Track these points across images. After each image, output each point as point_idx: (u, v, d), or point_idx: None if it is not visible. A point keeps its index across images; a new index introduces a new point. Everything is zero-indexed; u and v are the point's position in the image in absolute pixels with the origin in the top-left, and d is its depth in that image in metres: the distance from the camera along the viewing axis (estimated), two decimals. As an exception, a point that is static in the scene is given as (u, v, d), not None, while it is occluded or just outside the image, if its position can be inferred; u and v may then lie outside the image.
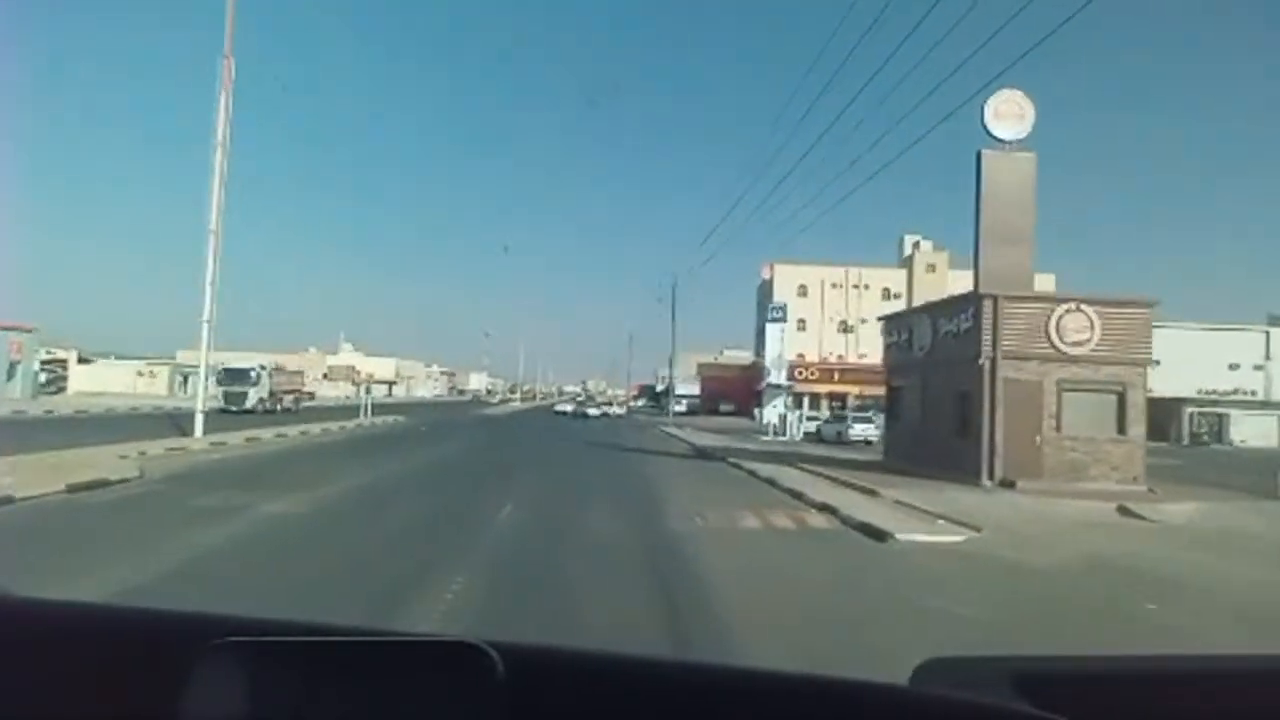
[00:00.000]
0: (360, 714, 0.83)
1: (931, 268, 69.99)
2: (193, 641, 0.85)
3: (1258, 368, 58.15)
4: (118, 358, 74.19)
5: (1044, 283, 34.22)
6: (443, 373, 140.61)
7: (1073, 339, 17.99)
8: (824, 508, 13.91)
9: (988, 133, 18.85)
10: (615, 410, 75.73)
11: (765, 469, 20.64)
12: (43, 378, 55.23)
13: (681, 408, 63.94)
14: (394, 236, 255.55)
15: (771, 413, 47.29)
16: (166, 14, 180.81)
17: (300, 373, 56.52)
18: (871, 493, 15.92)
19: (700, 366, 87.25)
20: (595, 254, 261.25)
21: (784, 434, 41.43)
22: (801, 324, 67.25)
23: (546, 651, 1.02)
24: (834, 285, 71.38)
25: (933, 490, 16.24)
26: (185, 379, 65.38)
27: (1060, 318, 18.02)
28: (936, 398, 20.61)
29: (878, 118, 48.73)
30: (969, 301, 19.15)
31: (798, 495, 15.78)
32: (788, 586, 8.55)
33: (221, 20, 22.82)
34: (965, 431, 18.78)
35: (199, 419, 23.12)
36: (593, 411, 69.22)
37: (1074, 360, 18.02)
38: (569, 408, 76.40)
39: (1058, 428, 17.94)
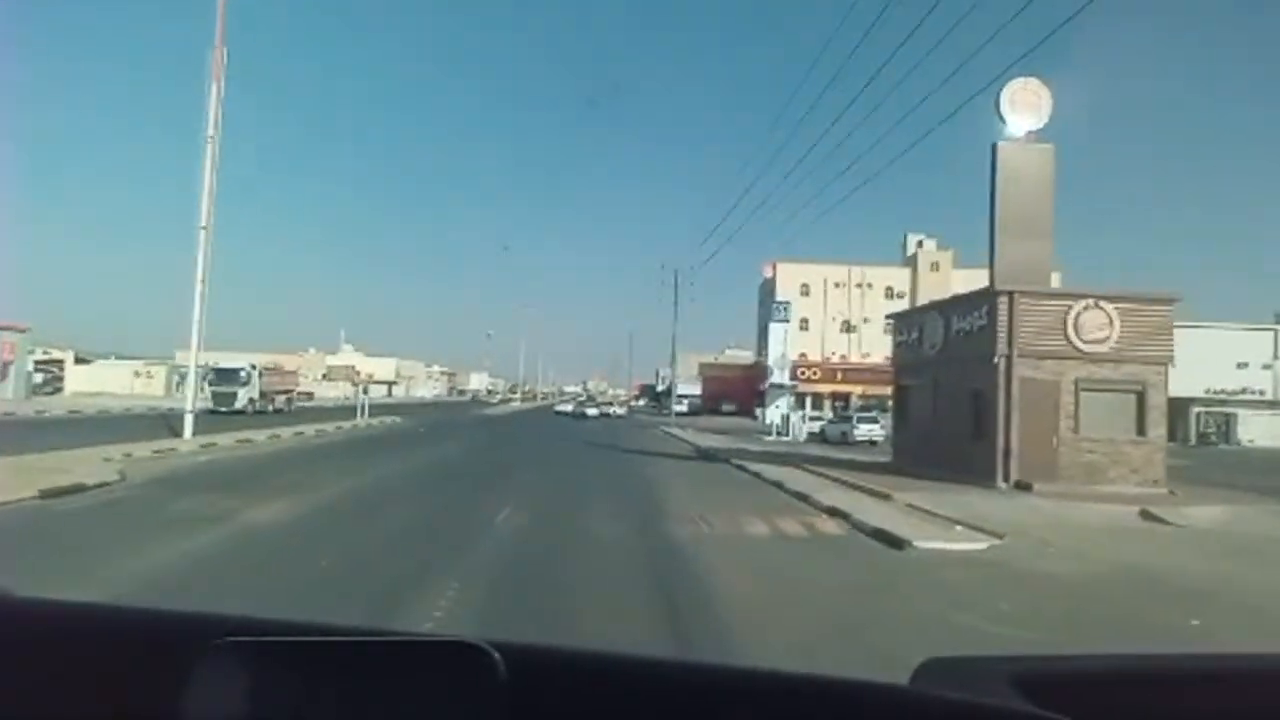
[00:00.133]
0: (361, 714, 0.82)
1: (935, 266, 69.44)
2: (193, 641, 0.84)
3: (1266, 367, 57.46)
4: (118, 358, 73.75)
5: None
6: (443, 373, 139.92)
7: (1091, 337, 17.35)
8: (835, 512, 13.38)
9: (1002, 122, 18.18)
10: (616, 410, 74.56)
11: (771, 471, 20.08)
12: (38, 378, 54.83)
13: (683, 408, 63.20)
14: (394, 236, 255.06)
15: (774, 413, 46.75)
16: (166, 12, 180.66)
17: (294, 373, 55.98)
18: (883, 496, 15.31)
19: (702, 366, 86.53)
20: (596, 253, 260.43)
21: (787, 434, 40.95)
22: (804, 323, 66.72)
23: (547, 651, 1.00)
24: (836, 284, 70.78)
25: (946, 493, 15.58)
26: (182, 379, 64.83)
27: (1078, 315, 17.38)
28: (948, 398, 19.95)
29: (880, 115, 48.27)
30: (984, 298, 18.51)
31: (805, 499, 15.26)
32: (805, 603, 7.94)
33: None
34: (979, 432, 18.14)
35: (189, 420, 22.62)
36: (592, 412, 68.12)
37: (1092, 359, 17.38)
38: (569, 408, 75.63)
39: (1075, 428, 17.31)
